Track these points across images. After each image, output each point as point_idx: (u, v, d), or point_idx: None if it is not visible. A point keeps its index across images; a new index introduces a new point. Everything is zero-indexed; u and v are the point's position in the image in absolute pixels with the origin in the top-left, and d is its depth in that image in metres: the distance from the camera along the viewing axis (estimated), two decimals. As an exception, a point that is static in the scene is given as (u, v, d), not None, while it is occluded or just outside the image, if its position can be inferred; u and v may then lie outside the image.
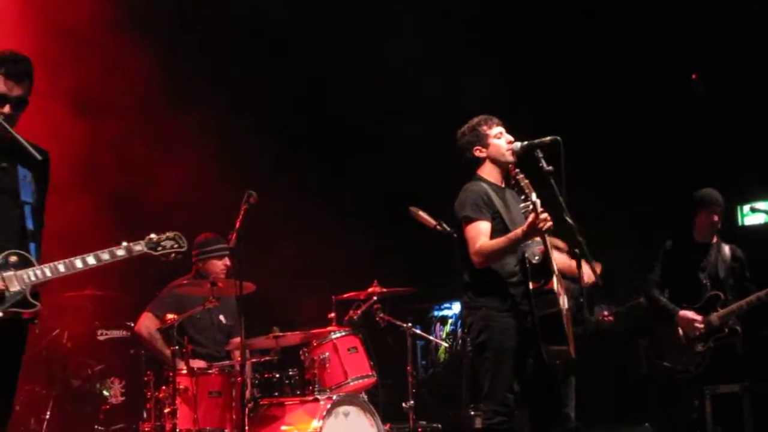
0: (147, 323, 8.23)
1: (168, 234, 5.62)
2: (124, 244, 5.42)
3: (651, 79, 11.11)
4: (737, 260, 8.46)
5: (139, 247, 5.47)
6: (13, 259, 5.15)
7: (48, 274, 5.21)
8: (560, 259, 6.68)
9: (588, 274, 6.37)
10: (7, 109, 5.12)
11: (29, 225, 5.28)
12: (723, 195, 8.58)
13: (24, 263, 5.18)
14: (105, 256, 5.35)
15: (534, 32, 11.06)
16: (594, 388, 9.23)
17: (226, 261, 8.40)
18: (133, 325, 8.51)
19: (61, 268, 5.25)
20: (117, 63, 9.10)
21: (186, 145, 9.51)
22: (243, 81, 10.60)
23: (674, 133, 11.09)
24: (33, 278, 5.16)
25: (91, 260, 5.33)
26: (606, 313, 8.86)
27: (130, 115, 9.39)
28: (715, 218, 8.43)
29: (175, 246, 5.62)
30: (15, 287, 5.11)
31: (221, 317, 8.51)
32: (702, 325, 8.25)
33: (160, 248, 5.55)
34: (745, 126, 10.75)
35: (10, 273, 5.11)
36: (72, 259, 5.29)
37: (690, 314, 8.29)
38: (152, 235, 5.56)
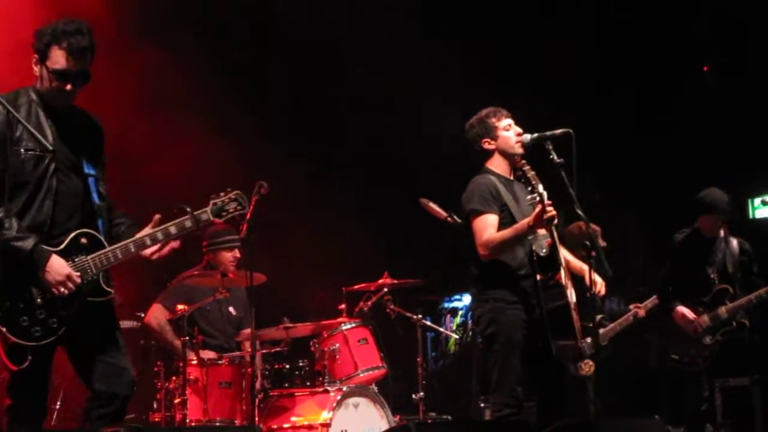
0: (157, 314, 8.24)
1: (231, 195, 5.32)
2: (188, 209, 5.20)
3: (662, 71, 11.07)
4: (745, 253, 8.42)
5: (205, 215, 5.24)
6: (83, 241, 5.00)
7: (120, 255, 5.05)
8: (573, 262, 6.67)
9: (599, 283, 6.37)
10: (69, 86, 5.00)
11: (95, 199, 5.13)
12: (734, 188, 8.54)
13: (94, 245, 5.03)
14: (173, 229, 5.16)
15: (540, 28, 11.03)
16: (604, 381, 9.23)
17: (236, 253, 8.39)
18: (143, 315, 8.52)
19: (132, 248, 5.08)
20: (123, 57, 9.08)
21: (195, 136, 9.52)
22: (255, 72, 10.60)
23: (685, 125, 11.08)
24: (106, 262, 5.01)
25: (159, 235, 5.16)
26: (640, 305, 8.84)
27: (135, 108, 9.37)
28: (711, 222, 8.37)
29: (239, 208, 5.33)
30: (89, 274, 4.97)
31: (231, 309, 8.51)
32: (694, 321, 8.22)
33: (224, 213, 5.29)
34: (757, 118, 10.72)
35: (83, 258, 4.97)
36: (141, 236, 5.11)
37: (684, 310, 8.28)
38: (216, 200, 5.28)
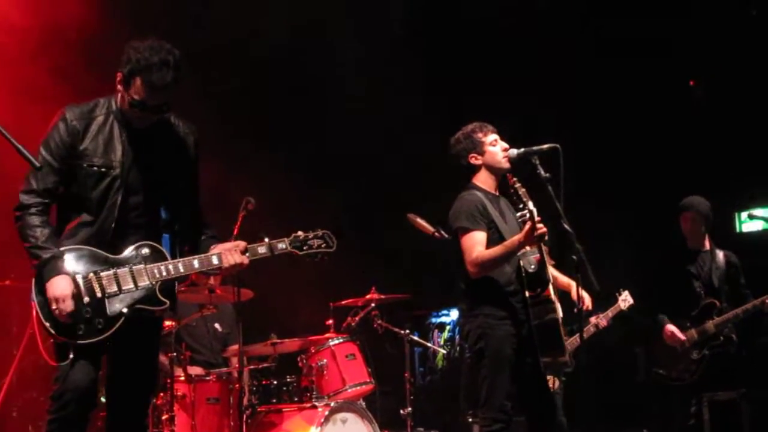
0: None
1: (316, 232, 5.25)
2: (266, 240, 5.09)
3: (648, 85, 11.10)
4: (732, 266, 8.42)
5: (282, 245, 5.14)
6: (144, 251, 4.90)
7: (181, 269, 4.93)
8: (559, 278, 6.67)
9: (586, 298, 6.41)
10: (137, 113, 4.88)
11: (162, 214, 5.03)
12: (721, 202, 8.54)
13: (156, 256, 4.92)
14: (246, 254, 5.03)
15: (529, 36, 11.05)
16: (593, 395, 9.23)
17: (211, 280, 8.30)
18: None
19: (196, 263, 4.97)
20: (108, 78, 9.06)
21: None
22: (237, 87, 10.59)
23: (672, 139, 11.09)
24: (165, 273, 4.89)
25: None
26: (600, 315, 8.83)
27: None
28: (689, 222, 8.37)
29: (323, 246, 5.25)
30: (144, 282, 4.84)
31: (216, 325, 8.49)
32: (684, 339, 8.22)
33: (305, 248, 5.19)
34: (744, 132, 10.75)
35: (140, 267, 4.85)
36: (209, 254, 4.99)
37: (673, 329, 8.28)
38: (299, 233, 5.19)
